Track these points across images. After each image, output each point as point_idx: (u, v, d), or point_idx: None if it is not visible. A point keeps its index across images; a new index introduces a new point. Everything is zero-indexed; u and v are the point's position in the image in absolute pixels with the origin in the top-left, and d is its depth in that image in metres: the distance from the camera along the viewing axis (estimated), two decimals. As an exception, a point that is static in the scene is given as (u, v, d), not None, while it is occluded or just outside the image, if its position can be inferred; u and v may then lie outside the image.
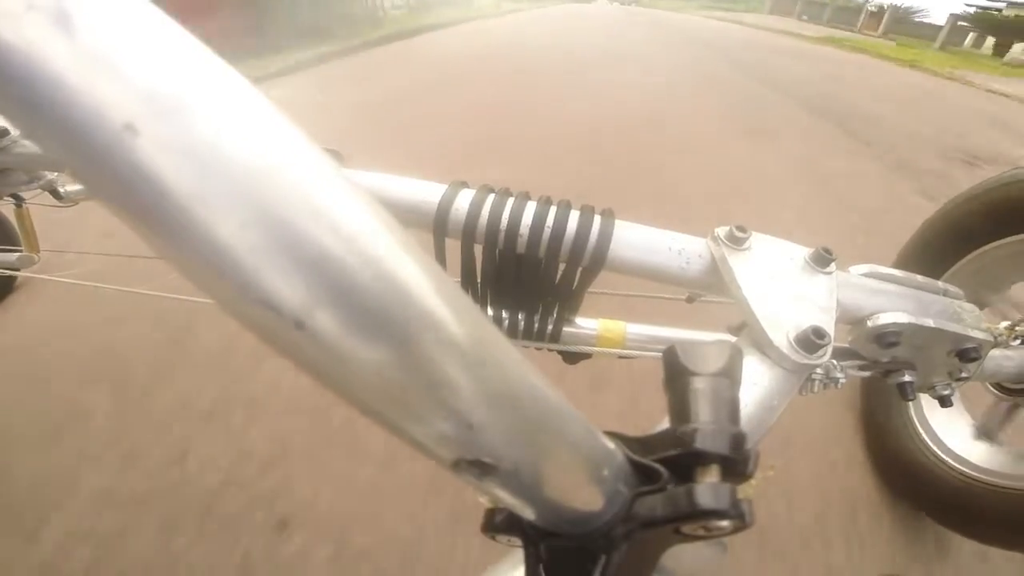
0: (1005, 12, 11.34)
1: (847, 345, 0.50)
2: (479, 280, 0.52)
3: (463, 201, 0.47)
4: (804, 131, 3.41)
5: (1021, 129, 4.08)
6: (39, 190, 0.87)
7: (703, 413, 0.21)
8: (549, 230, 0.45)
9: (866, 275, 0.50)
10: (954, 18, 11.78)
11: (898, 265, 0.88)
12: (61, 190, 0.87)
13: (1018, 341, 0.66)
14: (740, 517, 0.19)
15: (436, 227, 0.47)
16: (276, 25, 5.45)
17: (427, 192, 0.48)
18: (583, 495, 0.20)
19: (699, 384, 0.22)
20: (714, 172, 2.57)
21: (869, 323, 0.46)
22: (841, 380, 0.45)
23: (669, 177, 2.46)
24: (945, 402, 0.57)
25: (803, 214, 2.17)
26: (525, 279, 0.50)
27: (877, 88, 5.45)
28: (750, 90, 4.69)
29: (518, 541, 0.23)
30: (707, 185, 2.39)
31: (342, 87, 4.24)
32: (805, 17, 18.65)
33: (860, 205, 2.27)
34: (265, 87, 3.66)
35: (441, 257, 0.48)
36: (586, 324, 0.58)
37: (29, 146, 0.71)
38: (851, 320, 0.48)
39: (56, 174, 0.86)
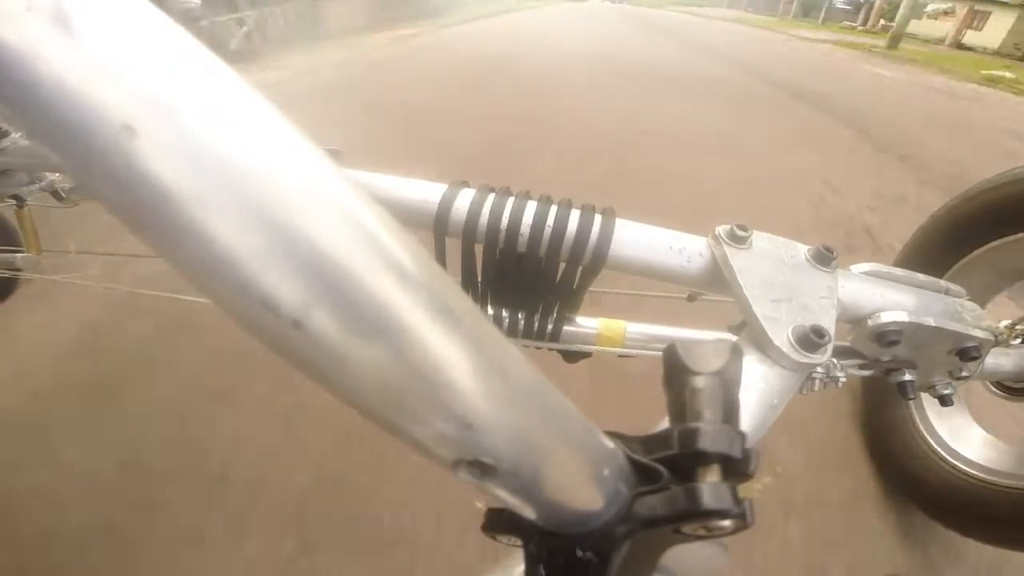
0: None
1: (848, 344, 0.50)
2: (479, 279, 0.52)
3: (463, 201, 0.47)
4: (674, 44, 8.05)
5: (754, 36, 10.44)
6: (40, 191, 0.87)
7: (703, 412, 0.21)
8: (550, 229, 0.45)
9: (867, 273, 0.50)
10: (829, 1, 19.63)
11: (900, 263, 0.87)
12: (62, 191, 0.87)
13: (1019, 340, 0.66)
14: (741, 517, 0.19)
15: (436, 227, 0.47)
16: (415, 6, 10.51)
17: (427, 192, 0.48)
18: (583, 495, 0.20)
19: (699, 383, 0.22)
20: (635, 44, 7.92)
21: (870, 322, 0.46)
22: (841, 379, 0.45)
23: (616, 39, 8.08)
24: (945, 401, 0.57)
25: (658, 53, 6.89)
26: (525, 278, 0.50)
27: (727, 33, 11.18)
28: (662, 37, 9.55)
29: (518, 541, 0.23)
30: (630, 36, 9.23)
31: (485, 31, 8.72)
32: (751, 8, 24.93)
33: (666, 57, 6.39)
34: (452, 30, 8.53)
35: (441, 257, 0.48)
36: (586, 323, 0.58)
37: (30, 147, 0.71)
38: (852, 319, 0.48)
39: (57, 175, 0.86)
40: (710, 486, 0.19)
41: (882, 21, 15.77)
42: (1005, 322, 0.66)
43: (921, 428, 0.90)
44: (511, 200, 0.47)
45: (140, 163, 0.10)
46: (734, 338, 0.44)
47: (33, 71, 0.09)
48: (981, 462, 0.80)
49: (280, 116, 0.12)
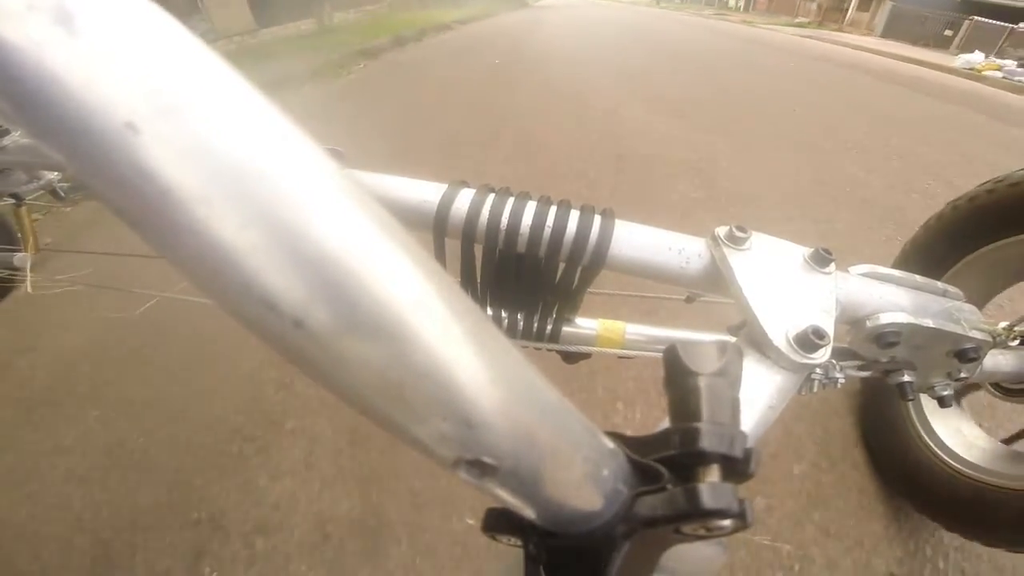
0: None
1: (846, 345, 0.50)
2: (479, 280, 0.52)
3: (463, 201, 0.47)
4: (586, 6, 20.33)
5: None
6: (39, 190, 0.87)
7: (703, 413, 0.21)
8: (549, 230, 0.45)
9: (865, 275, 0.50)
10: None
11: (898, 265, 0.88)
12: (61, 189, 0.87)
13: (1017, 341, 0.66)
14: (741, 517, 0.19)
15: (436, 227, 0.47)
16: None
17: (427, 192, 0.48)
18: (583, 495, 0.20)
19: (699, 384, 0.22)
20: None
21: (868, 323, 0.46)
22: (840, 380, 0.45)
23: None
24: (944, 402, 0.57)
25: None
26: (525, 279, 0.50)
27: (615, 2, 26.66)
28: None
29: (518, 541, 0.23)
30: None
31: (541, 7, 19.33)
32: None
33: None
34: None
35: (441, 257, 0.48)
36: (586, 324, 0.58)
37: (29, 145, 0.71)
38: (850, 320, 0.48)
39: (56, 174, 0.86)
40: (710, 486, 0.19)
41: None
42: (1003, 324, 0.66)
43: (918, 426, 0.90)
44: (510, 200, 0.47)
45: (142, 161, 0.10)
46: (733, 339, 0.45)
47: (35, 69, 0.09)
48: (982, 463, 0.80)
49: (282, 116, 0.12)
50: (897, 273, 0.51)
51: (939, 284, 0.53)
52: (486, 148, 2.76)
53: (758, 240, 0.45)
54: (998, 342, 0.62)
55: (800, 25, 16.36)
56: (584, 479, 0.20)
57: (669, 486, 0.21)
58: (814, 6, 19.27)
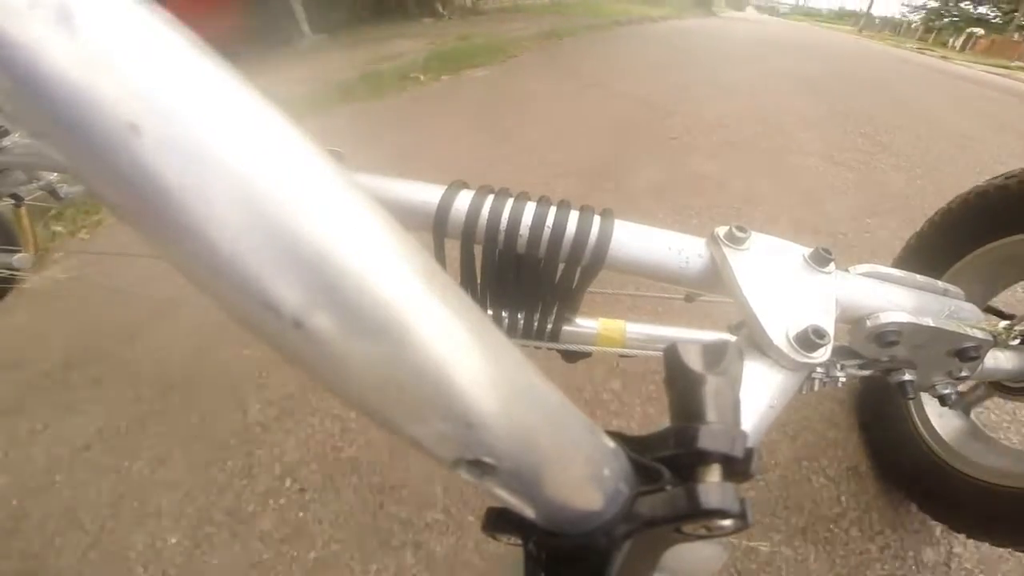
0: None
1: (847, 344, 0.50)
2: (479, 280, 0.52)
3: (463, 202, 0.47)
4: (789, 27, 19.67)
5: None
6: (39, 190, 0.87)
7: (704, 413, 0.21)
8: (549, 230, 0.45)
9: (865, 274, 0.50)
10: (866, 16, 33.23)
11: (899, 264, 0.87)
12: (60, 190, 0.87)
13: (1017, 341, 0.66)
14: (742, 516, 0.19)
15: (436, 228, 0.47)
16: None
17: (427, 193, 0.48)
18: (584, 495, 0.20)
19: (700, 383, 0.22)
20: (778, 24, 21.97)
21: (869, 322, 0.46)
22: (841, 379, 0.45)
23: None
24: (945, 401, 0.57)
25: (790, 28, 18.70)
26: (525, 279, 0.50)
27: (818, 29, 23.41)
28: (793, 28, 19.29)
29: (518, 540, 0.23)
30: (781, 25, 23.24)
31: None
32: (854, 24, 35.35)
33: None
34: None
35: (441, 258, 0.48)
36: (586, 323, 0.58)
37: (29, 146, 0.71)
38: (851, 319, 0.48)
39: (55, 174, 0.86)
40: (711, 486, 0.19)
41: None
42: (1003, 323, 0.66)
43: (919, 424, 0.90)
44: (510, 201, 0.46)
45: (144, 162, 0.10)
46: (734, 338, 0.44)
47: (38, 69, 0.09)
48: (982, 461, 0.80)
49: (283, 118, 0.12)
50: (897, 272, 0.51)
51: (939, 283, 0.53)
52: (722, 60, 5.48)
53: (757, 240, 0.45)
54: (999, 341, 0.62)
55: (1003, 66, 12.54)
56: (585, 479, 0.20)
57: (670, 486, 0.21)
58: (1036, 51, 16.45)
